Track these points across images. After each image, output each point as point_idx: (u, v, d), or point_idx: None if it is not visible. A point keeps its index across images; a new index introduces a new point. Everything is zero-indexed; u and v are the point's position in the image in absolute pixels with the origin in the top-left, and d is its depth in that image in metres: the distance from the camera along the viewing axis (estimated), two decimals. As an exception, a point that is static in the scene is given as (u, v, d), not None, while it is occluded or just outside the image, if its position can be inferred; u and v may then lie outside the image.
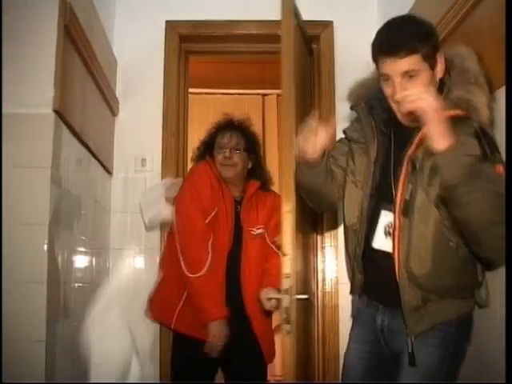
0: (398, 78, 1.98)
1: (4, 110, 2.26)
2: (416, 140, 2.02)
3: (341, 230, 3.44)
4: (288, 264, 2.26)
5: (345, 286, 3.38)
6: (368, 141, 2.23)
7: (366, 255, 2.20)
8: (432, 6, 2.63)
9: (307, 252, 3.11)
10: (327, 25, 3.67)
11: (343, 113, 3.55)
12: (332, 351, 3.40)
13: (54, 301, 2.35)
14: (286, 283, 2.23)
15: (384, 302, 2.19)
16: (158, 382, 3.32)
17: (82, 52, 2.71)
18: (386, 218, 2.12)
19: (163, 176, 3.47)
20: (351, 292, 2.38)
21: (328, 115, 3.50)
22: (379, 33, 2.10)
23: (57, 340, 2.39)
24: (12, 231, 2.21)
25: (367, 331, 2.25)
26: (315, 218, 3.52)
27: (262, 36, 3.61)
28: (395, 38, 2.00)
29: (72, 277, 2.68)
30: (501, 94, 2.06)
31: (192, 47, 3.75)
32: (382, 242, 2.14)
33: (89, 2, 2.90)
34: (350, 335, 2.36)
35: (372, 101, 2.25)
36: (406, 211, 2.03)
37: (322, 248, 3.50)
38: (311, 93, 3.66)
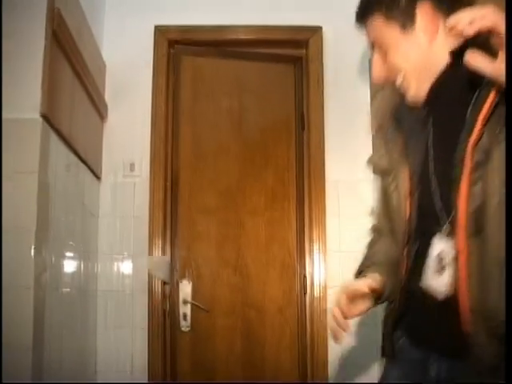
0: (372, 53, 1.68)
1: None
2: (480, 117, 1.41)
3: (329, 234, 3.46)
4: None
5: (333, 290, 3.40)
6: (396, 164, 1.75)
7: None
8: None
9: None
10: (316, 30, 3.67)
11: (333, 118, 3.59)
12: (321, 357, 3.40)
13: (41, 306, 2.33)
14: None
15: (438, 351, 1.60)
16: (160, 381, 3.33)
17: (70, 56, 2.70)
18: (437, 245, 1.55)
19: (152, 181, 3.47)
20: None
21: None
22: None
23: (44, 346, 2.37)
24: (-1, 236, 2.20)
25: (414, 376, 1.67)
26: (303, 223, 3.54)
27: (253, 41, 3.62)
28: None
29: (60, 282, 2.66)
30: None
31: (182, 51, 3.74)
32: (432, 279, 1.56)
33: (77, 6, 2.89)
34: (385, 374, 1.83)
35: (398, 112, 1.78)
36: (476, 228, 1.42)
37: (310, 252, 3.50)
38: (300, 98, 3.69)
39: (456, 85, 1.52)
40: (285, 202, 3.59)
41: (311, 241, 3.51)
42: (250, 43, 3.77)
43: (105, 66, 3.54)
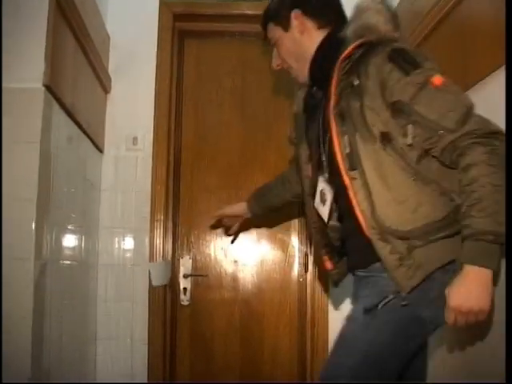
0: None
1: (-7, 85, 2.24)
2: (332, 90, 1.93)
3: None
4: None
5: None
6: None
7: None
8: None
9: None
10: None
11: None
12: (321, 334, 3.41)
13: (41, 278, 2.33)
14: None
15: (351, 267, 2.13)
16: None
17: (73, 27, 2.68)
18: (321, 184, 2.10)
19: (154, 156, 3.46)
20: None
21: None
22: None
23: (44, 317, 2.37)
24: None
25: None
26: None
27: (257, 16, 3.57)
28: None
29: (60, 254, 2.66)
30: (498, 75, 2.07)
31: (186, 26, 3.71)
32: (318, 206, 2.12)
33: (82, -23, 2.86)
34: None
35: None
36: (352, 164, 1.88)
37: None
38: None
39: (322, 65, 2.06)
40: (287, 179, 3.57)
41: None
42: (254, 18, 3.73)
43: (109, 38, 3.51)
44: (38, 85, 2.31)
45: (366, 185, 1.85)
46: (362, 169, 1.86)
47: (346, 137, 1.89)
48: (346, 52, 1.92)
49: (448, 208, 1.83)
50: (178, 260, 3.55)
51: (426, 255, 1.81)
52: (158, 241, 3.41)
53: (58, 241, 2.60)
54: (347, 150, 1.89)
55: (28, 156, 2.26)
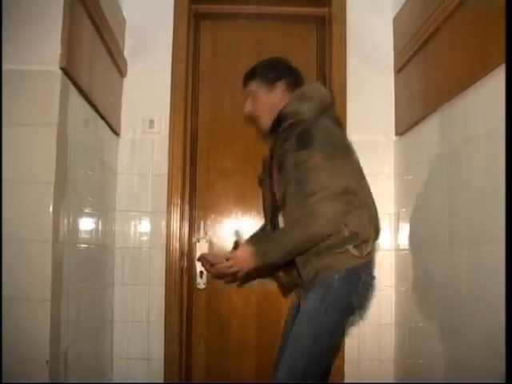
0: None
1: (10, 66, 2.24)
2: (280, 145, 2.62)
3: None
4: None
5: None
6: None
7: None
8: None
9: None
10: (339, -12, 3.60)
11: (355, 78, 3.54)
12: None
13: (58, 260, 2.34)
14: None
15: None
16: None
17: (90, 10, 2.66)
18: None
19: (171, 139, 3.45)
20: None
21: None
22: None
23: (62, 300, 2.39)
24: (17, 189, 2.21)
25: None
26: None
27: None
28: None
29: (77, 237, 2.67)
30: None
31: (202, 8, 3.69)
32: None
33: (98, -41, 2.85)
34: None
35: None
36: (284, 202, 2.56)
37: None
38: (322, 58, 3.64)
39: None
40: (305, 162, 3.56)
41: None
42: (270, 1, 3.71)
43: (125, 21, 3.50)
44: (55, 67, 2.31)
45: (289, 215, 2.54)
46: (287, 205, 2.53)
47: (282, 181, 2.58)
48: (288, 124, 2.61)
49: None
50: (195, 243, 3.55)
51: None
52: (175, 224, 3.41)
53: (75, 224, 2.61)
54: (281, 192, 2.58)
55: (45, 139, 2.27)
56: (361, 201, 2.47)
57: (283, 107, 2.65)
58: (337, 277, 2.43)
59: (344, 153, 2.52)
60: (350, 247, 2.41)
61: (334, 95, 2.84)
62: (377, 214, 2.55)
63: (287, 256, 2.48)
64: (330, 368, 2.71)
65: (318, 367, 2.46)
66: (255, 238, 2.87)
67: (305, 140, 2.44)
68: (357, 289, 2.46)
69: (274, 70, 2.77)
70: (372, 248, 2.49)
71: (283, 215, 2.59)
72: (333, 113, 2.70)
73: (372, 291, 2.72)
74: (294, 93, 2.68)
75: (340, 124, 2.73)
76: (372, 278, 2.56)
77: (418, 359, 3.06)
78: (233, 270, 2.52)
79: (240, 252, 2.53)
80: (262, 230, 2.93)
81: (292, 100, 2.65)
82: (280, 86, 2.73)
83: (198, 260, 2.94)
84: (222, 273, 2.62)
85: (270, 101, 2.74)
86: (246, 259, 2.47)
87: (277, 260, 2.50)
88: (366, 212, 2.49)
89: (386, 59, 3.51)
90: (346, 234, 2.40)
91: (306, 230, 2.38)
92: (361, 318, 3.39)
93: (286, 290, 3.04)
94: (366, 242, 2.45)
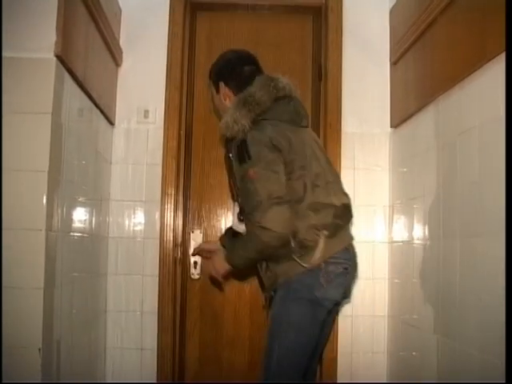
0: None
1: (5, 54, 2.23)
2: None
3: (344, 187, 3.43)
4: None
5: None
6: None
7: None
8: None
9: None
10: (336, -21, 3.59)
11: (351, 70, 3.54)
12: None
13: (52, 249, 2.34)
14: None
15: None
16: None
17: (86, -2, 2.66)
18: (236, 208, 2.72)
19: (166, 129, 3.45)
20: None
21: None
22: None
23: (55, 289, 2.38)
24: (11, 177, 2.20)
25: None
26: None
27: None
28: None
29: (71, 226, 2.66)
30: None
31: (198, 3, 3.69)
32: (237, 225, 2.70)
33: None
34: None
35: None
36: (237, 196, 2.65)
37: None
38: (318, 50, 3.64)
39: None
40: (299, 153, 3.55)
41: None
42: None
43: (120, 11, 3.49)
44: (50, 55, 2.30)
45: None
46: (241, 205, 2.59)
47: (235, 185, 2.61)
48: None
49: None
50: (189, 234, 3.55)
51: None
52: (169, 214, 3.41)
53: (69, 213, 2.60)
54: (236, 193, 2.65)
55: (39, 127, 2.26)
56: (308, 207, 2.44)
57: (223, 116, 2.60)
58: (294, 277, 2.44)
59: (280, 162, 2.43)
60: (297, 256, 2.42)
61: (288, 84, 2.67)
62: (331, 216, 2.47)
63: (252, 262, 2.57)
64: (311, 367, 2.63)
65: (291, 366, 2.44)
66: (228, 234, 2.84)
67: (242, 153, 2.43)
68: (319, 281, 2.41)
69: (217, 71, 2.75)
70: (323, 251, 2.42)
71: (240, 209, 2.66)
72: (282, 109, 2.58)
73: (346, 279, 2.54)
74: (234, 98, 2.60)
75: (293, 119, 2.58)
76: (338, 266, 2.47)
77: (411, 351, 3.07)
78: (213, 274, 2.66)
79: (215, 258, 2.65)
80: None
81: (229, 110, 2.56)
82: (223, 89, 2.69)
83: (196, 254, 3.09)
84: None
85: (217, 103, 2.77)
86: (220, 264, 2.59)
87: (244, 265, 2.56)
88: (314, 217, 2.43)
89: (382, 51, 3.51)
90: (292, 244, 2.41)
91: (257, 243, 2.40)
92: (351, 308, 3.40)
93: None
94: (312, 249, 2.42)
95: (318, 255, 2.41)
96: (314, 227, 2.42)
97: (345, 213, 2.56)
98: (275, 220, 2.34)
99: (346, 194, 2.63)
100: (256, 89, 2.56)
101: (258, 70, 2.73)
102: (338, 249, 2.48)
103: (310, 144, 2.56)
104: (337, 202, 2.51)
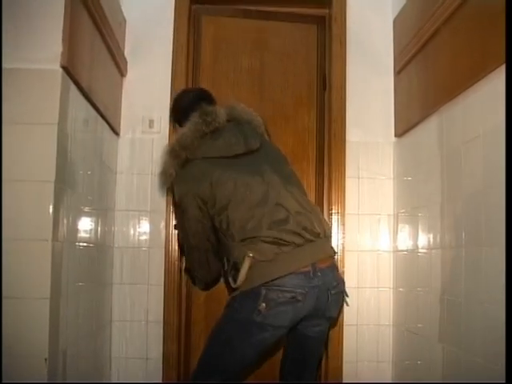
0: None
1: (11, 65, 2.24)
2: None
3: (348, 196, 3.44)
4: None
5: (350, 254, 3.40)
6: None
7: None
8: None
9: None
10: (340, -11, 3.60)
11: (355, 79, 3.55)
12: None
13: (58, 259, 2.34)
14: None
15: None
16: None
17: (90, 9, 2.67)
18: None
19: (171, 138, 3.45)
20: None
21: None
22: None
23: (61, 298, 2.39)
24: (18, 188, 2.21)
25: None
26: (322, 185, 3.52)
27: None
28: None
29: (77, 236, 2.67)
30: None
31: (202, 6, 3.69)
32: None
33: (99, -42, 2.85)
34: None
35: None
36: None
37: (329, 215, 3.47)
38: (322, 59, 3.65)
39: None
40: (304, 162, 3.57)
41: (330, 203, 3.48)
42: (272, 1, 3.72)
43: (125, 21, 3.51)
44: (56, 66, 2.31)
45: None
46: None
47: None
48: None
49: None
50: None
51: None
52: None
53: (75, 223, 2.61)
54: None
55: (46, 138, 2.27)
56: (237, 239, 2.44)
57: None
58: (238, 296, 2.44)
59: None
60: (230, 277, 2.51)
61: (226, 114, 2.72)
62: (265, 242, 2.38)
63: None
64: None
65: (208, 374, 2.50)
66: None
67: (174, 198, 2.67)
68: (257, 308, 2.32)
69: (171, 111, 2.96)
70: (260, 276, 2.36)
71: None
72: (208, 146, 2.56)
73: (295, 307, 2.35)
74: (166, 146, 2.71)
75: (221, 154, 2.55)
76: (283, 294, 2.33)
77: (416, 360, 3.07)
78: None
79: None
80: None
81: (161, 158, 2.63)
82: (176, 129, 2.84)
83: None
84: None
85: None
86: None
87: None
88: (245, 245, 2.41)
89: (386, 60, 3.52)
90: (226, 267, 2.59)
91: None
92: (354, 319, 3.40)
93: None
94: (237, 271, 2.43)
95: (242, 277, 2.39)
96: (242, 250, 2.40)
97: (295, 236, 2.40)
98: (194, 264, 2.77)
99: (300, 213, 2.46)
100: (186, 129, 2.60)
101: (196, 103, 2.71)
102: (281, 274, 2.33)
103: (241, 174, 2.50)
104: (275, 227, 2.40)
